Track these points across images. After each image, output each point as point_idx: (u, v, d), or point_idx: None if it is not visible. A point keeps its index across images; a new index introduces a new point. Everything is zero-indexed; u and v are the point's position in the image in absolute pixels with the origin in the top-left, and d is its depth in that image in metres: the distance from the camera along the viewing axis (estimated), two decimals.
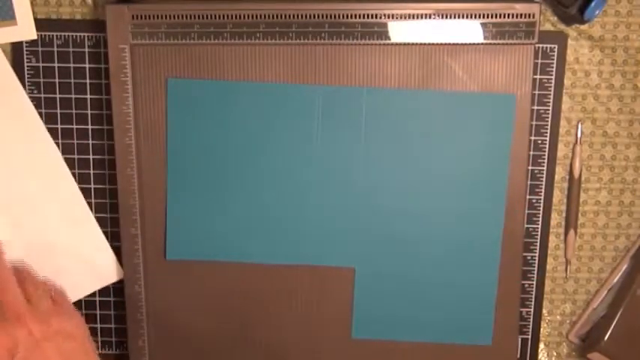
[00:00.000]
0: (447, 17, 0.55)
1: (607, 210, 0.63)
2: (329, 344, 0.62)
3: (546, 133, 0.61)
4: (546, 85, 0.60)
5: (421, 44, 0.56)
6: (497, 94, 0.57)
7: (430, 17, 0.55)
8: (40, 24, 0.60)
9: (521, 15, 0.55)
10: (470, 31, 0.56)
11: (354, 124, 0.58)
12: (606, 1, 0.58)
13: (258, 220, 0.59)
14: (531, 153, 0.61)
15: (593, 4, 0.56)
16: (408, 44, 0.57)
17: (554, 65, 0.60)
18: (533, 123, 0.61)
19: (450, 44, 0.56)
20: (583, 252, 0.64)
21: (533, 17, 0.55)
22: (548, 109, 0.61)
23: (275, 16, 0.56)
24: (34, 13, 0.60)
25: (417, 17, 0.56)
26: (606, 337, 0.61)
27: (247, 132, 0.58)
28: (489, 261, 0.59)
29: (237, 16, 0.56)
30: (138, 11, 0.56)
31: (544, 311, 0.64)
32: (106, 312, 0.64)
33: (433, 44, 0.56)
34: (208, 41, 0.56)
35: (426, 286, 0.60)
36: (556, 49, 0.60)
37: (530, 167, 0.61)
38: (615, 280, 0.64)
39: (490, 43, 0.56)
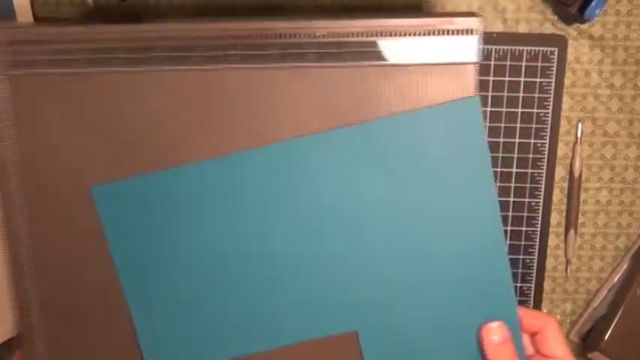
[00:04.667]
0: (377, 35, 0.48)
1: (607, 209, 0.63)
2: None
3: (546, 135, 0.61)
4: (546, 88, 0.60)
5: (348, 66, 0.48)
6: (457, 101, 0.49)
7: (359, 36, 0.48)
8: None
9: (460, 31, 0.48)
10: (403, 51, 0.49)
11: (309, 179, 0.50)
12: (606, 1, 0.58)
13: (237, 308, 0.51)
14: (531, 155, 0.61)
15: (593, 3, 0.56)
16: (333, 67, 0.48)
17: (554, 68, 0.60)
18: (533, 126, 0.61)
19: (381, 66, 0.48)
20: (583, 251, 0.64)
21: (474, 33, 0.48)
22: (548, 112, 0.61)
23: (177, 38, 0.48)
24: (34, 13, 0.60)
25: (343, 36, 0.48)
26: (606, 337, 0.61)
27: (197, 221, 0.51)
28: (500, 281, 0.51)
29: (133, 40, 0.48)
30: (15, 36, 0.48)
31: (544, 311, 0.64)
32: None
33: (363, 66, 0.48)
34: (98, 69, 0.49)
35: (439, 329, 0.52)
36: (556, 52, 0.60)
37: (530, 170, 0.61)
38: (615, 279, 0.64)
39: (426, 64, 0.48)
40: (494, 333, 0.49)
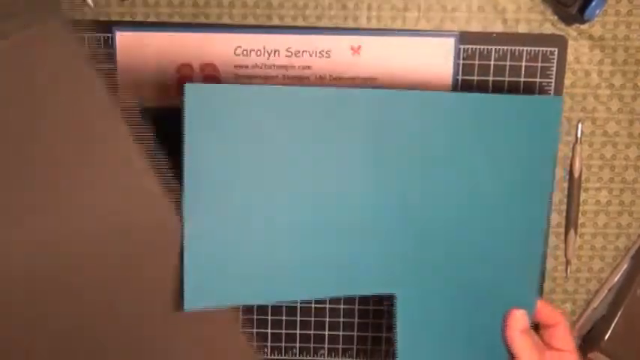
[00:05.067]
0: None
1: (607, 210, 0.63)
2: None
3: None
4: (546, 88, 0.60)
5: None
6: (543, 97, 0.56)
7: None
8: None
9: None
10: None
11: (395, 134, 0.51)
12: (607, 1, 0.58)
13: (290, 253, 0.50)
14: None
15: (593, 3, 0.56)
16: None
17: (554, 68, 0.60)
18: None
19: None
20: (583, 252, 0.64)
21: None
22: None
23: None
24: None
25: None
26: (606, 337, 0.61)
27: (278, 146, 0.49)
28: (530, 271, 0.56)
29: None
30: None
31: None
32: None
33: None
34: None
35: (467, 303, 0.54)
36: (556, 52, 0.60)
37: None
38: (615, 279, 0.64)
39: None
40: (518, 321, 0.54)
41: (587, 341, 0.64)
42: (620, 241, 0.64)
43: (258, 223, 0.49)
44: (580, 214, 0.63)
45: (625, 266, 0.63)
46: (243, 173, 0.48)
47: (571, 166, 0.62)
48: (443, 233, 0.53)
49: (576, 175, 0.62)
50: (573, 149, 0.62)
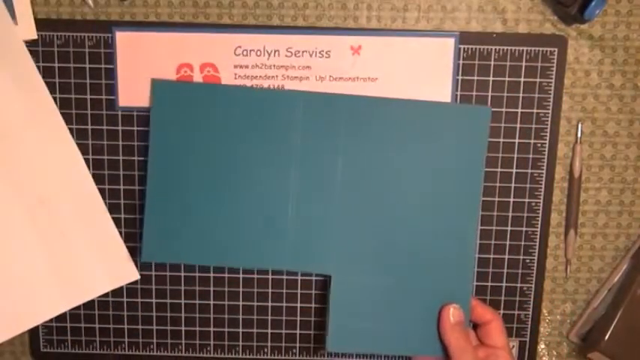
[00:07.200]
0: None
1: (607, 210, 0.63)
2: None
3: (546, 136, 0.61)
4: (546, 88, 0.60)
5: None
6: (474, 107, 0.60)
7: None
8: (40, 24, 0.60)
9: None
10: None
11: (333, 131, 0.59)
12: (606, 1, 0.58)
13: (235, 225, 0.59)
14: (531, 155, 0.61)
15: (593, 3, 0.56)
16: None
17: (554, 68, 0.60)
18: (533, 126, 0.61)
19: None
20: (583, 252, 0.64)
21: None
22: (548, 112, 0.61)
23: None
24: (34, 13, 0.60)
25: None
26: (606, 337, 0.61)
27: (229, 137, 0.59)
28: (463, 269, 0.59)
29: None
30: None
31: (544, 311, 0.65)
32: (105, 312, 0.64)
33: None
34: None
35: (402, 294, 0.59)
36: (556, 52, 0.60)
37: (529, 170, 0.61)
38: (615, 279, 0.64)
39: None
40: (452, 314, 0.58)
41: (587, 341, 0.64)
42: (620, 241, 0.64)
43: (209, 201, 0.59)
44: (580, 214, 0.63)
45: (625, 266, 0.63)
46: (199, 158, 0.59)
47: (571, 166, 0.62)
48: (380, 228, 0.59)
49: (576, 175, 0.62)
50: (573, 149, 0.62)
